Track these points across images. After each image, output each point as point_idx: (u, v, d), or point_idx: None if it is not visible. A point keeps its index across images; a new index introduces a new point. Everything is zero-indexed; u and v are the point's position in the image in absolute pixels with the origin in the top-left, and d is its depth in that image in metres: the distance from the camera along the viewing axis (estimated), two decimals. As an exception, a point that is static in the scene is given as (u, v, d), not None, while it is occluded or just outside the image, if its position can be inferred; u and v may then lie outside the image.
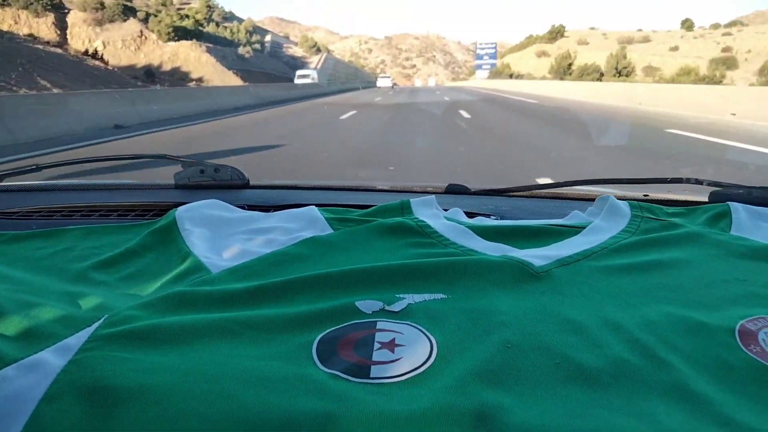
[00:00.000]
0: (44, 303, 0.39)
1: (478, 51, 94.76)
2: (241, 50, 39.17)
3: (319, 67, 43.62)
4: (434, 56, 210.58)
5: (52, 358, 0.31)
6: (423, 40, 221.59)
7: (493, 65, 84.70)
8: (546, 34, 63.05)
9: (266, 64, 37.27)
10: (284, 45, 48.69)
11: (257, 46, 43.06)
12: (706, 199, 0.67)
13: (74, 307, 0.40)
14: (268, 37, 48.06)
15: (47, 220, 0.69)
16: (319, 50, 51.62)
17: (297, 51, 49.56)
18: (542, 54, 49.77)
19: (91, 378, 0.29)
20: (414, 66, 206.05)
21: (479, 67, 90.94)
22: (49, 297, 0.41)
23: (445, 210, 0.61)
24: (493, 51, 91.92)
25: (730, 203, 0.57)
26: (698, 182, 0.69)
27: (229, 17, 49.59)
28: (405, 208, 0.58)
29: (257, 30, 50.83)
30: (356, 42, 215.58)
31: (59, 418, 0.27)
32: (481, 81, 56.24)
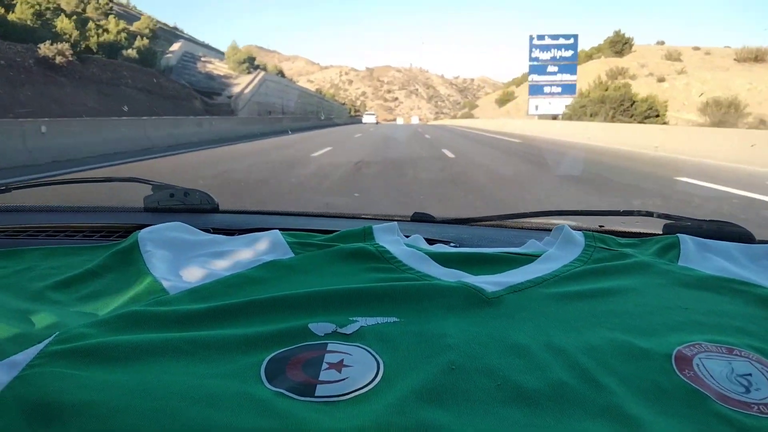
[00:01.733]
0: None
1: (536, 53, 31.74)
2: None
3: (246, 92, 29.00)
4: (417, 89, 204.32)
5: None
6: (405, 73, 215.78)
7: (568, 89, 30.41)
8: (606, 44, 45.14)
9: (148, 82, 21.65)
10: (202, 57, 34.10)
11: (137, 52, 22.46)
12: (660, 231, 0.69)
13: (27, 325, 0.40)
14: (176, 46, 32.38)
15: (12, 240, 0.69)
16: (255, 67, 36.25)
17: (220, 67, 34.30)
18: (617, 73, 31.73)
19: (36, 394, 0.29)
20: (396, 99, 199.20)
21: (537, 90, 32.09)
22: (2, 315, 0.40)
23: (407, 236, 0.62)
24: (571, 53, 31.94)
25: (679, 235, 0.59)
26: (649, 214, 0.72)
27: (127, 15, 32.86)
28: (367, 234, 0.59)
29: (164, 33, 35.92)
30: (336, 73, 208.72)
31: None
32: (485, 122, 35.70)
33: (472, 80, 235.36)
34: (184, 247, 0.57)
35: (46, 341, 0.35)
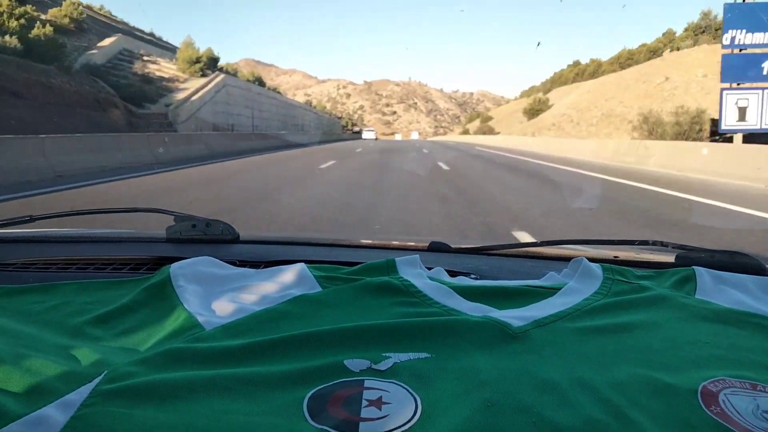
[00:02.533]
0: (44, 358, 0.40)
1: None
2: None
3: (195, 99, 22.16)
4: (416, 103, 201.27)
5: (55, 414, 0.32)
6: (404, 87, 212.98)
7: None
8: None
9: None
10: (144, 56, 26.62)
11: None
12: (672, 260, 0.71)
13: (73, 362, 0.41)
14: (108, 41, 24.88)
15: (44, 273, 0.71)
16: (213, 68, 27.94)
17: (166, 68, 26.53)
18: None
19: None
20: (395, 113, 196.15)
21: (744, 66, 11.20)
22: (47, 352, 0.42)
23: (429, 268, 0.64)
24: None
25: (695, 268, 0.61)
26: (664, 245, 0.74)
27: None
28: (390, 267, 0.61)
29: (95, 24, 27.91)
30: (334, 86, 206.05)
31: None
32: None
33: (471, 94, 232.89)
34: (213, 282, 0.59)
35: (96, 380, 0.36)
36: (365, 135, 58.76)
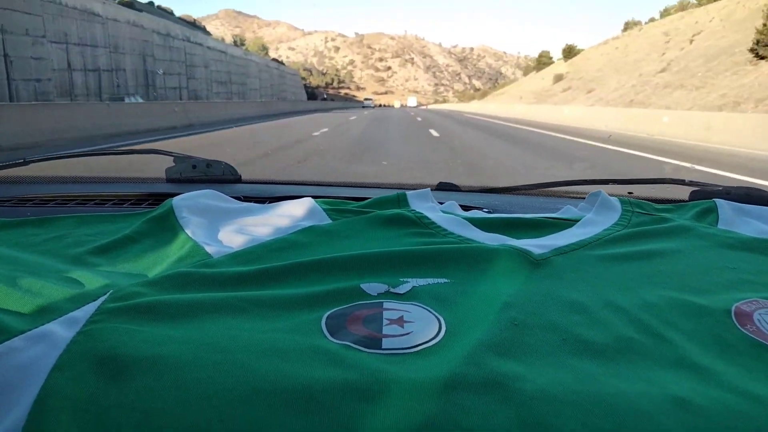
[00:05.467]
0: (45, 281, 0.39)
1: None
2: None
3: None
4: (412, 59, 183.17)
5: (60, 330, 0.31)
6: (399, 41, 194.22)
7: None
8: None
9: None
10: None
11: None
12: (687, 197, 0.70)
13: (76, 284, 0.40)
14: None
15: (42, 208, 0.69)
16: None
17: None
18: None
19: (102, 348, 0.29)
20: (389, 68, 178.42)
21: None
22: (48, 276, 0.40)
23: (441, 203, 0.62)
24: None
25: (716, 200, 0.60)
26: (680, 182, 0.73)
27: None
28: (401, 200, 0.60)
29: None
30: (321, 39, 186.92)
31: (73, 386, 0.27)
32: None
33: (472, 49, 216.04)
34: (219, 214, 0.57)
35: (102, 298, 0.35)
36: (366, 104, 63.30)
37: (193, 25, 39.91)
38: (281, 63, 53.74)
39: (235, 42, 47.97)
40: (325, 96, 74.09)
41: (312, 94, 71.51)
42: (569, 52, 42.03)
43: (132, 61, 18.38)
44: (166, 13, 31.09)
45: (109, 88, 16.79)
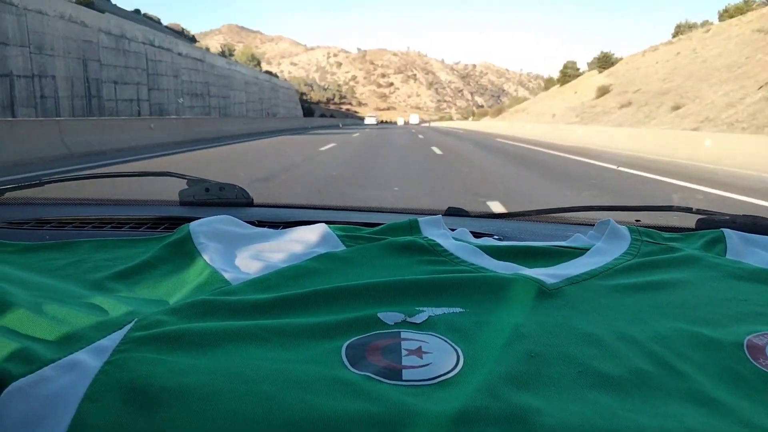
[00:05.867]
0: (69, 307, 0.39)
1: None
2: None
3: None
4: (415, 75, 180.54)
5: (88, 359, 0.31)
6: (402, 57, 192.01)
7: None
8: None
9: None
10: None
11: None
12: (694, 225, 0.71)
13: (100, 311, 0.40)
14: None
15: (59, 231, 0.69)
16: None
17: None
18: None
19: (129, 378, 0.30)
20: (391, 84, 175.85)
21: None
22: (71, 303, 0.40)
23: (452, 230, 0.63)
24: None
25: (724, 230, 0.60)
26: (687, 209, 0.74)
27: None
28: (413, 227, 0.60)
29: None
30: (323, 54, 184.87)
31: (104, 416, 0.27)
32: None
33: (474, 66, 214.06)
34: (235, 240, 0.58)
35: (127, 327, 0.35)
36: (367, 121, 64.52)
37: (180, 34, 35.87)
38: (274, 75, 50.48)
39: (223, 53, 43.38)
40: (323, 113, 72.02)
41: (309, 110, 70.03)
42: (605, 62, 36.07)
43: (67, 65, 14.11)
44: (144, 19, 27.35)
45: (28, 99, 13.00)
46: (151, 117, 16.95)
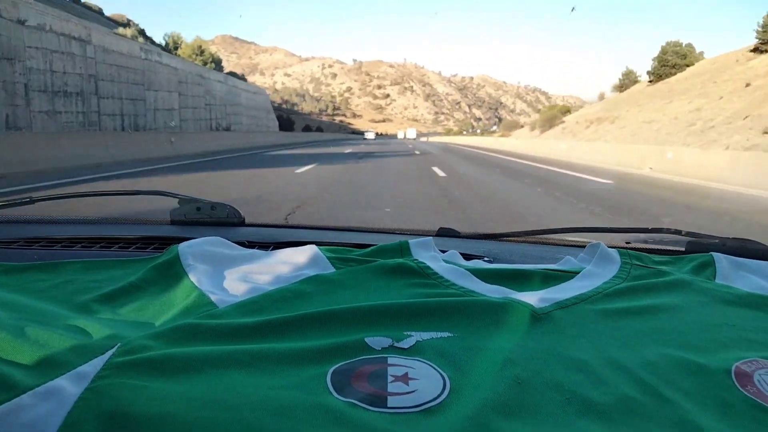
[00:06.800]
0: (52, 331, 0.38)
1: None
2: None
3: None
4: (412, 87, 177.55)
5: (68, 386, 0.31)
6: (399, 69, 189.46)
7: None
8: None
9: None
10: None
11: None
12: (683, 248, 0.71)
13: (83, 335, 0.40)
14: None
15: (48, 250, 0.69)
16: None
17: None
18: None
19: (110, 406, 0.29)
20: (388, 96, 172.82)
21: None
22: (55, 325, 0.40)
23: (442, 251, 0.63)
24: None
25: (713, 254, 0.60)
26: (677, 232, 0.74)
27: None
28: (404, 249, 0.60)
29: None
30: (318, 65, 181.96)
31: None
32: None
33: (471, 78, 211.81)
34: (224, 261, 0.58)
35: (110, 352, 0.35)
36: (367, 135, 66.34)
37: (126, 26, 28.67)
38: (238, 77, 40.28)
39: (166, 44, 32.66)
40: (309, 126, 62.22)
41: (289, 121, 60.34)
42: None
43: None
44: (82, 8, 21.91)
45: None
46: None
